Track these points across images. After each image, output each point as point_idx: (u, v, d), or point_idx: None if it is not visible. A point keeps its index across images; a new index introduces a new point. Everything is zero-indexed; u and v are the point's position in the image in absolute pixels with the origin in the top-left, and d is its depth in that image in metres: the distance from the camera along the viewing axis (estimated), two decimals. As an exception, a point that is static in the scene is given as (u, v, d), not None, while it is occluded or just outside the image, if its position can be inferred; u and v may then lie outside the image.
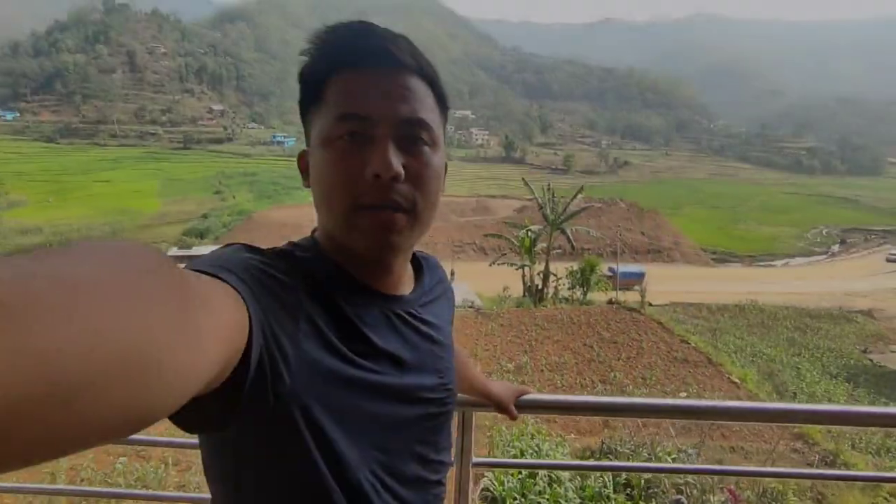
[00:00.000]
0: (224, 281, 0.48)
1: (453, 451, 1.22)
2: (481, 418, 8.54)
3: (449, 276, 0.89)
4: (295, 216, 44.37)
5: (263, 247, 0.63)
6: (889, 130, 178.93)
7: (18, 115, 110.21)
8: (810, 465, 8.66)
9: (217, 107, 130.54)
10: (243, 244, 0.61)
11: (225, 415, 0.48)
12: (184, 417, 0.47)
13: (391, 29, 0.65)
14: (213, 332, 0.38)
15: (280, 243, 0.68)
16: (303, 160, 0.70)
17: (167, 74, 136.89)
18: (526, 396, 1.25)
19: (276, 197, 67.35)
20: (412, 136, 0.64)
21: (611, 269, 25.95)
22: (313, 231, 0.73)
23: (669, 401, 1.30)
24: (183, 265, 0.50)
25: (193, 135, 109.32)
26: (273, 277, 0.56)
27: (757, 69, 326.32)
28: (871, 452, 10.58)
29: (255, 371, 0.49)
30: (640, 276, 25.12)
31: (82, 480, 5.56)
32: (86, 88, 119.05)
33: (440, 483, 0.77)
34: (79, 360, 0.26)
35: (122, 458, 7.09)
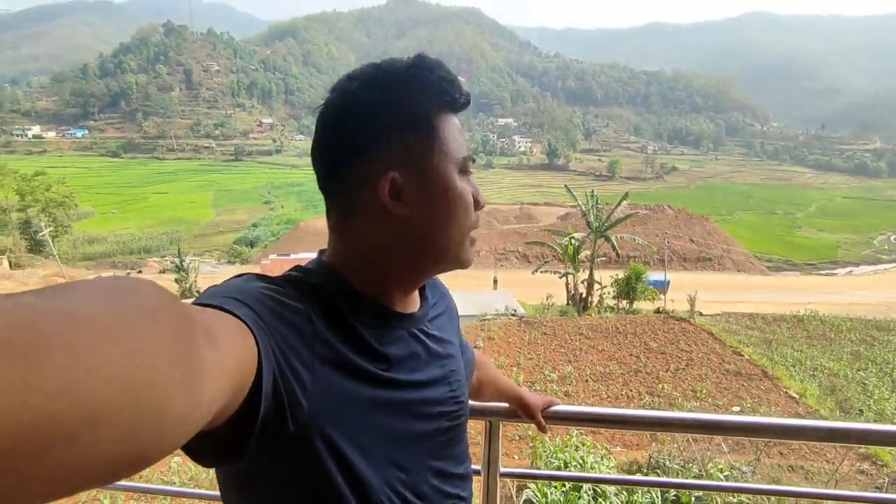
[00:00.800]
0: (232, 313, 0.48)
1: (479, 461, 1.26)
2: (525, 429, 8.47)
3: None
4: (340, 225, 45.30)
5: (285, 268, 0.68)
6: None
7: (87, 132, 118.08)
8: (879, 488, 8.14)
9: (266, 120, 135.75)
10: (255, 273, 0.63)
11: (239, 446, 0.49)
12: (196, 450, 0.47)
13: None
14: (216, 368, 0.38)
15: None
16: (395, 182, 0.68)
17: (220, 90, 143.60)
18: (556, 407, 1.21)
19: (322, 206, 67.25)
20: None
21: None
22: (320, 252, 0.75)
23: (710, 416, 1.24)
24: (211, 287, 0.56)
25: (244, 147, 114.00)
26: (285, 304, 0.57)
27: (812, 68, 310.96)
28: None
29: (272, 401, 0.49)
30: (662, 285, 23.89)
31: (140, 477, 5.88)
32: (147, 106, 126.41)
33: (461, 498, 0.78)
34: (83, 400, 0.26)
35: (175, 459, 7.45)
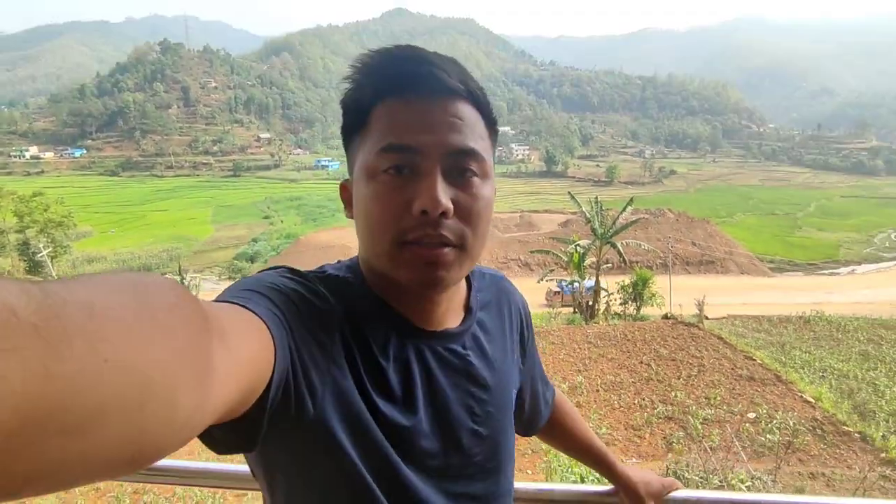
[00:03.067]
0: (251, 310, 0.48)
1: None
2: (536, 442, 8.28)
3: None
4: (340, 238, 45.36)
5: (307, 268, 0.64)
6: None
7: (85, 151, 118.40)
8: (902, 493, 7.93)
9: (264, 135, 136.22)
10: (287, 267, 0.61)
11: (249, 437, 0.49)
12: (211, 438, 0.48)
13: (434, 51, 0.63)
14: (226, 368, 0.38)
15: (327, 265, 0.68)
16: (345, 190, 0.68)
17: (218, 107, 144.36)
18: (678, 493, 0.98)
19: (322, 220, 69.03)
20: (461, 168, 0.61)
21: (559, 285, 24.37)
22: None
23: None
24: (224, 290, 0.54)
25: (243, 163, 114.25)
26: (310, 304, 0.56)
27: (805, 69, 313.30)
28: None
29: (280, 397, 0.50)
30: (589, 291, 23.06)
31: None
32: (144, 124, 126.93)
33: None
34: (97, 390, 0.27)
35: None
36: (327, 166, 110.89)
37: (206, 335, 0.36)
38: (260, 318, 0.48)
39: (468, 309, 0.74)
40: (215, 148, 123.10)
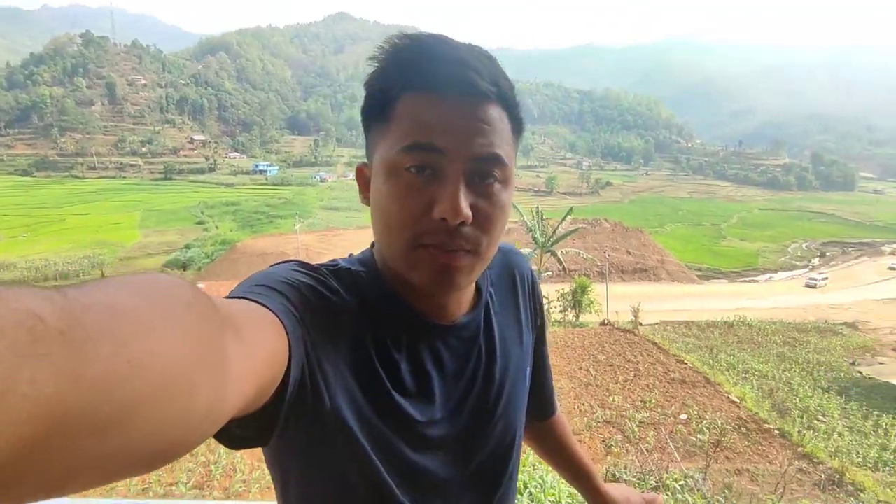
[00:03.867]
0: (264, 305, 0.49)
1: None
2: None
3: None
4: (277, 244, 43.87)
5: (318, 262, 0.64)
6: (857, 146, 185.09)
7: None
8: (817, 484, 8.48)
9: (199, 137, 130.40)
10: (298, 261, 0.61)
11: (264, 432, 0.50)
12: (225, 434, 0.48)
13: (468, 43, 0.61)
14: (241, 365, 0.39)
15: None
16: (362, 174, 0.66)
17: (148, 106, 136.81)
18: None
19: (259, 226, 66.71)
20: (484, 173, 0.59)
21: None
22: (373, 244, 0.70)
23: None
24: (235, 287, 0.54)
25: (175, 165, 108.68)
26: (323, 297, 0.57)
27: (729, 89, 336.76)
28: (869, 467, 10.48)
29: (296, 392, 0.50)
30: None
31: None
32: (63, 121, 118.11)
33: None
34: (122, 391, 0.27)
35: None
36: (265, 171, 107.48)
37: (222, 332, 0.37)
38: (273, 312, 0.48)
39: (478, 291, 0.74)
40: (144, 149, 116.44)
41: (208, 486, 6.35)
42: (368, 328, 0.61)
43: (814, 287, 44.06)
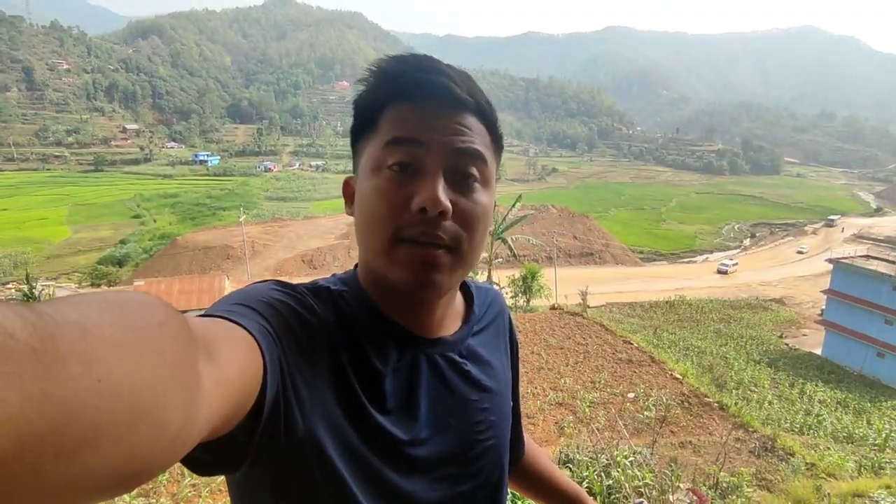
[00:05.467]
0: (241, 325, 0.48)
1: None
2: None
3: None
4: (221, 237, 42.18)
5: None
6: (783, 133, 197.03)
7: None
8: (752, 451, 9.06)
9: (131, 126, 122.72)
10: (276, 280, 0.60)
11: (236, 457, 0.48)
12: (193, 460, 0.46)
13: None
14: (214, 385, 0.38)
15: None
16: (348, 186, 0.67)
17: (72, 92, 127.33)
18: None
19: (201, 219, 63.96)
20: (464, 172, 0.61)
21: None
22: (356, 265, 0.70)
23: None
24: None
25: (106, 156, 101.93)
26: (300, 317, 0.56)
27: (666, 78, 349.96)
28: (796, 431, 11.35)
29: (268, 416, 0.48)
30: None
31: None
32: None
33: None
34: (92, 411, 0.26)
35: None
36: (206, 161, 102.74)
37: (194, 352, 0.36)
38: (249, 332, 0.47)
39: (466, 320, 0.74)
40: (70, 139, 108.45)
41: (155, 493, 6.09)
42: (348, 347, 0.60)
43: (725, 273, 44.52)
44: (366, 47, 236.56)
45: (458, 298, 0.75)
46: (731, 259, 50.01)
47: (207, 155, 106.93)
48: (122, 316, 0.31)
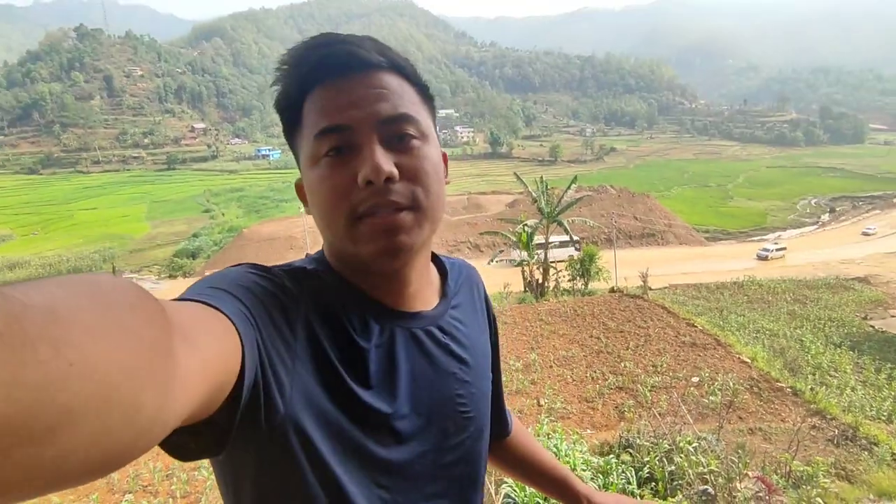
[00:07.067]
0: (217, 307, 0.47)
1: None
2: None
3: None
4: (285, 229, 44.07)
5: (273, 263, 0.63)
6: (867, 98, 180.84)
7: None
8: (830, 440, 8.57)
9: (199, 125, 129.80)
10: (251, 264, 0.60)
11: (218, 441, 0.47)
12: (174, 445, 0.46)
13: (366, 33, 0.64)
14: (190, 369, 0.37)
15: (272, 258, 0.64)
16: (301, 189, 0.67)
17: (146, 96, 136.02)
18: None
19: (265, 211, 66.93)
20: (399, 134, 0.61)
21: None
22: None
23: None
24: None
25: (177, 155, 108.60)
26: (276, 298, 0.55)
27: (731, 47, 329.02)
28: (883, 420, 10.57)
29: (248, 398, 0.48)
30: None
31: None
32: (64, 117, 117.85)
33: None
34: (64, 395, 0.26)
35: (128, 496, 6.88)
36: (268, 155, 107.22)
37: (169, 335, 0.35)
38: (225, 314, 0.47)
39: (443, 294, 0.74)
40: (146, 140, 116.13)
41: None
42: (327, 326, 0.59)
43: (765, 259, 39.45)
44: (417, 34, 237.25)
45: (434, 273, 0.75)
46: (774, 243, 44.05)
47: (269, 149, 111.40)
48: (93, 298, 0.31)
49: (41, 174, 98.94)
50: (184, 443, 0.45)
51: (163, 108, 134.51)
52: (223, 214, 68.91)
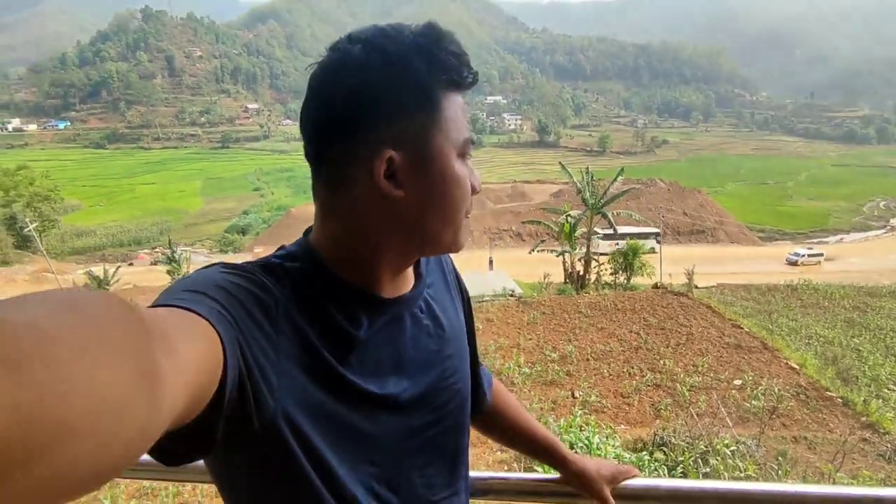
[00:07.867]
0: (194, 310, 0.47)
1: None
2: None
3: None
4: (331, 210, 44.93)
5: (255, 259, 0.64)
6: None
7: (69, 123, 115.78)
8: (882, 455, 8.18)
9: (252, 105, 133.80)
10: (224, 263, 0.60)
11: (205, 444, 0.48)
12: (161, 451, 0.46)
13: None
14: (173, 376, 0.37)
15: None
16: (393, 162, 0.62)
17: (204, 77, 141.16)
18: (633, 482, 0.95)
19: (313, 192, 68.58)
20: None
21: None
22: (306, 231, 0.70)
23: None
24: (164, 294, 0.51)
25: (231, 134, 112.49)
26: (253, 295, 0.55)
27: (800, 36, 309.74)
28: (945, 439, 9.96)
29: (236, 398, 0.48)
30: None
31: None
32: (129, 95, 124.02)
33: (456, 494, 0.75)
34: (59, 413, 0.26)
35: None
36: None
37: (149, 344, 0.36)
38: (204, 317, 0.47)
39: (418, 275, 0.76)
40: (203, 119, 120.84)
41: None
42: (311, 318, 0.60)
43: (795, 264, 36.26)
44: (468, 19, 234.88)
45: None
46: (807, 247, 40.23)
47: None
48: (75, 314, 0.31)
49: (107, 149, 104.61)
50: (170, 447, 0.46)
51: (219, 89, 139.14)
52: (272, 193, 71.00)
